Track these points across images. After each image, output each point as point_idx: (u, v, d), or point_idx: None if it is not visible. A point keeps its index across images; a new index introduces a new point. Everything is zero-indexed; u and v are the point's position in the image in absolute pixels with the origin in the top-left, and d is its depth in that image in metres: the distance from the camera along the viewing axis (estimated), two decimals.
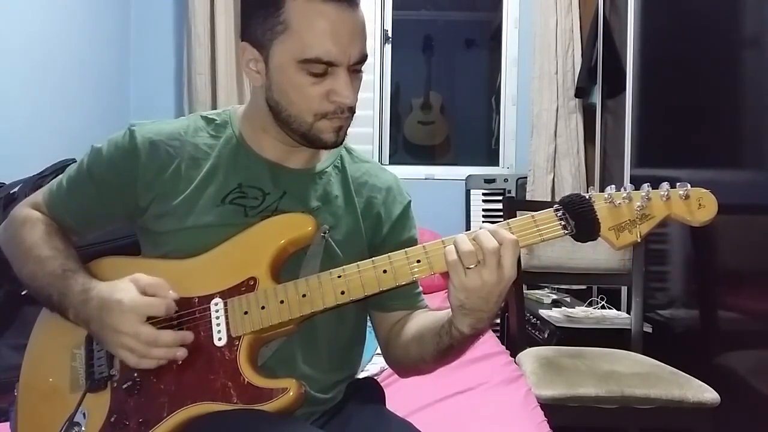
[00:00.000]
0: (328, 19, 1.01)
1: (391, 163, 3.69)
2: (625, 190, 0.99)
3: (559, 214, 0.98)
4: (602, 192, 1.00)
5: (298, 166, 1.16)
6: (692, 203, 0.98)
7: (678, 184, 0.99)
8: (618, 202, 0.98)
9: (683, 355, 2.24)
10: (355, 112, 1.10)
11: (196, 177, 1.12)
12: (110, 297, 1.01)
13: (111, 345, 1.02)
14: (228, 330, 1.03)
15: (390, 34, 3.64)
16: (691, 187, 0.98)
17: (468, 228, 3.42)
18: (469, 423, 1.57)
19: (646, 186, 0.99)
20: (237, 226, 1.09)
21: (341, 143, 1.12)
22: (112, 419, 1.03)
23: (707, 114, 2.34)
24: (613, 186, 1.00)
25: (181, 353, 1.01)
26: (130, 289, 1.02)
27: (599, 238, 0.99)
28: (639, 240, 0.98)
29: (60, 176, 1.19)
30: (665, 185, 0.98)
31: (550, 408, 1.77)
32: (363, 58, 1.07)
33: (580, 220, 0.97)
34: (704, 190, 0.98)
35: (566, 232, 0.98)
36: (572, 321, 2.62)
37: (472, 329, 0.98)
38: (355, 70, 1.07)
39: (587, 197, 0.99)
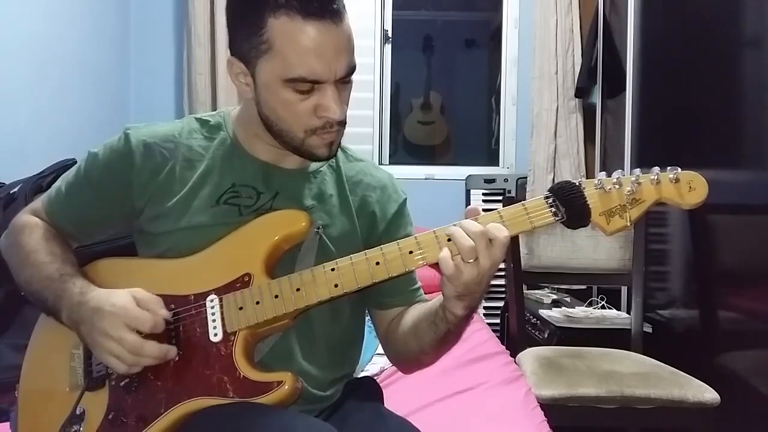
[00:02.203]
0: (311, 37, 1.00)
1: (391, 163, 3.69)
2: (615, 175, 0.99)
3: (549, 201, 0.98)
4: (593, 179, 1.00)
5: (292, 167, 1.16)
6: (682, 186, 0.98)
7: (669, 167, 0.99)
8: (608, 187, 0.98)
9: (683, 355, 2.24)
10: (345, 124, 1.09)
11: (191, 178, 1.12)
12: (105, 301, 1.02)
13: (98, 349, 1.02)
14: (223, 326, 1.04)
15: (390, 34, 3.63)
16: (682, 170, 0.98)
17: None
18: (469, 423, 1.57)
19: (636, 171, 0.99)
20: (232, 225, 1.10)
21: (334, 155, 1.13)
22: (110, 416, 1.04)
23: (707, 114, 2.34)
24: (604, 172, 1.00)
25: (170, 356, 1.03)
26: (125, 296, 1.03)
27: (590, 224, 0.99)
28: (629, 225, 0.98)
29: (58, 182, 1.20)
30: (656, 169, 0.99)
31: (550, 408, 1.77)
32: (351, 71, 1.06)
33: (571, 206, 0.98)
34: (694, 173, 0.99)
35: (557, 218, 0.98)
36: (572, 321, 2.62)
37: (466, 309, 0.99)
38: (343, 81, 1.06)
39: (577, 183, 0.99)
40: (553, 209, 0.98)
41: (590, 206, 0.98)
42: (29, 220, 1.18)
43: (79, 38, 2.92)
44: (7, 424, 1.20)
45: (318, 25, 1.00)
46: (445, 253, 0.94)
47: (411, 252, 1.00)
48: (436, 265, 0.97)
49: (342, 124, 1.08)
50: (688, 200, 0.98)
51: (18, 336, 1.55)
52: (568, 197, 0.98)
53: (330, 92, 1.04)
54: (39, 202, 1.21)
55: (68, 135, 2.69)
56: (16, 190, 1.82)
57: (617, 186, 0.98)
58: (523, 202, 0.99)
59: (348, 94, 1.09)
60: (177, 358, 1.04)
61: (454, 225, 0.96)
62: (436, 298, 1.04)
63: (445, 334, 1.05)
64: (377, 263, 1.01)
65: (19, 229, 1.17)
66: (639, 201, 0.98)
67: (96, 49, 3.10)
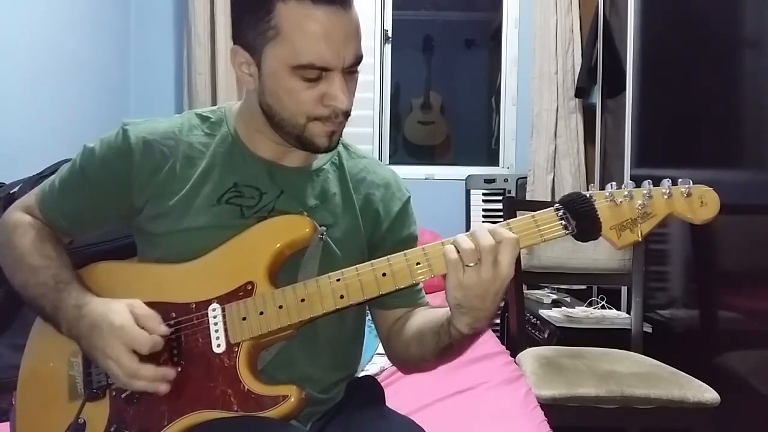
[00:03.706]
0: (320, 23, 0.99)
1: (391, 163, 3.69)
2: (626, 187, 0.97)
3: (559, 214, 0.96)
4: (603, 190, 0.98)
5: (295, 164, 1.14)
6: (694, 201, 0.96)
7: (680, 180, 0.97)
8: (619, 200, 0.96)
9: (683, 355, 2.24)
10: (349, 116, 1.08)
11: (192, 176, 1.10)
12: (103, 318, 1.00)
13: (98, 365, 1.02)
14: (226, 336, 1.02)
15: (390, 34, 3.64)
16: (693, 184, 0.97)
17: (468, 228, 3.41)
18: (469, 423, 1.57)
19: (647, 183, 0.97)
20: (233, 227, 1.07)
21: (334, 148, 1.10)
22: (112, 429, 1.03)
23: (707, 114, 2.34)
24: (614, 184, 0.98)
25: (163, 389, 1.00)
26: (124, 313, 1.00)
27: (600, 237, 0.97)
28: (640, 239, 0.97)
29: (52, 177, 1.17)
30: (667, 182, 0.96)
31: (550, 408, 1.77)
32: (358, 60, 1.04)
33: (582, 219, 0.96)
34: (706, 188, 0.97)
35: (567, 231, 0.96)
36: (572, 321, 2.62)
37: (470, 329, 0.97)
38: (350, 71, 1.05)
39: (588, 196, 0.97)
40: (564, 222, 0.96)
41: (601, 220, 0.96)
42: (21, 218, 1.14)
43: (79, 38, 2.92)
44: (8, 423, 1.19)
45: (327, 10, 0.99)
46: (448, 247, 0.93)
47: (418, 263, 0.98)
48: (444, 277, 0.95)
49: (346, 115, 1.06)
50: (700, 215, 0.96)
51: (18, 336, 1.54)
52: (579, 210, 0.96)
53: (338, 81, 1.02)
54: (32, 196, 1.17)
55: (68, 135, 2.68)
56: (16, 190, 1.81)
57: (628, 199, 0.96)
58: (532, 213, 0.97)
59: (354, 85, 1.07)
60: (179, 369, 1.02)
61: (465, 234, 0.95)
62: (445, 309, 1.02)
63: (446, 347, 1.04)
64: (384, 274, 0.99)
65: (12, 228, 1.13)
66: (650, 215, 0.96)
67: (96, 49, 3.10)
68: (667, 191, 0.96)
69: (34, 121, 2.52)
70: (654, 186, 0.97)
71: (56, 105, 2.70)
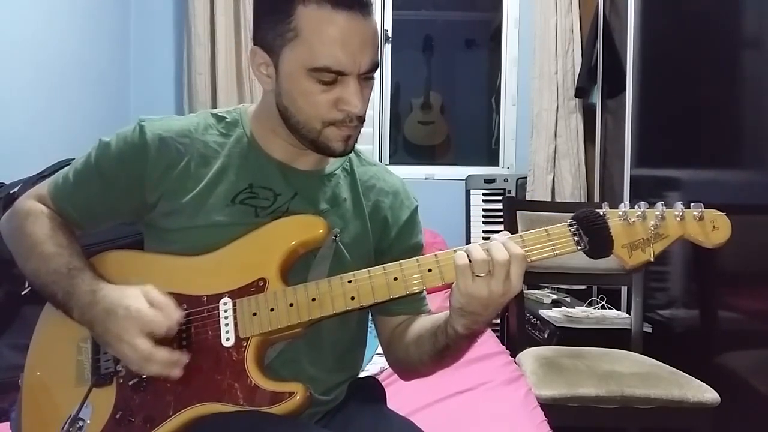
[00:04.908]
0: (339, 27, 1.00)
1: (391, 163, 3.69)
2: (639, 207, 0.98)
3: (572, 230, 0.98)
4: (616, 209, 0.99)
5: (308, 168, 1.15)
6: (706, 225, 0.97)
7: (692, 204, 0.99)
8: (632, 219, 0.98)
9: (683, 355, 2.24)
10: (364, 121, 1.09)
11: (206, 175, 1.11)
12: (118, 302, 1.01)
13: (112, 349, 1.02)
14: (236, 330, 1.03)
15: (390, 34, 3.64)
16: (705, 208, 0.98)
17: (468, 228, 3.44)
18: (469, 423, 1.57)
19: (660, 205, 0.99)
20: (247, 225, 1.08)
21: (350, 152, 1.12)
22: (117, 416, 1.03)
23: (707, 114, 2.35)
24: (627, 203, 0.99)
25: (176, 373, 1.00)
26: (139, 298, 1.01)
27: (612, 255, 0.98)
28: (652, 259, 0.97)
29: (66, 168, 1.18)
30: (679, 205, 0.98)
31: (550, 408, 1.77)
32: (374, 66, 1.06)
33: (594, 236, 0.97)
34: (718, 213, 0.98)
35: (579, 248, 0.97)
36: (572, 321, 2.62)
37: (466, 329, 0.99)
38: (365, 77, 1.06)
39: (601, 213, 0.98)
40: (576, 238, 0.97)
41: (613, 238, 0.97)
42: (34, 206, 1.15)
43: (79, 38, 2.92)
44: (8, 424, 1.19)
45: (346, 15, 1.00)
46: (458, 254, 0.94)
47: (430, 270, 0.99)
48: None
49: (361, 120, 1.08)
50: (712, 239, 0.97)
51: (18, 336, 1.55)
52: (592, 227, 0.97)
53: (353, 85, 1.03)
54: (44, 186, 1.18)
55: (68, 135, 2.68)
56: (16, 190, 1.82)
57: (641, 219, 0.98)
58: (546, 227, 0.98)
59: (369, 92, 1.08)
60: (187, 360, 1.02)
61: (479, 244, 0.96)
62: (444, 312, 1.03)
63: (443, 348, 1.05)
64: (395, 278, 1.00)
65: (24, 216, 1.14)
66: (663, 236, 0.98)
67: (96, 49, 3.10)
68: (680, 213, 0.97)
69: (34, 121, 2.52)
70: (666, 207, 0.98)
71: (56, 105, 2.70)
